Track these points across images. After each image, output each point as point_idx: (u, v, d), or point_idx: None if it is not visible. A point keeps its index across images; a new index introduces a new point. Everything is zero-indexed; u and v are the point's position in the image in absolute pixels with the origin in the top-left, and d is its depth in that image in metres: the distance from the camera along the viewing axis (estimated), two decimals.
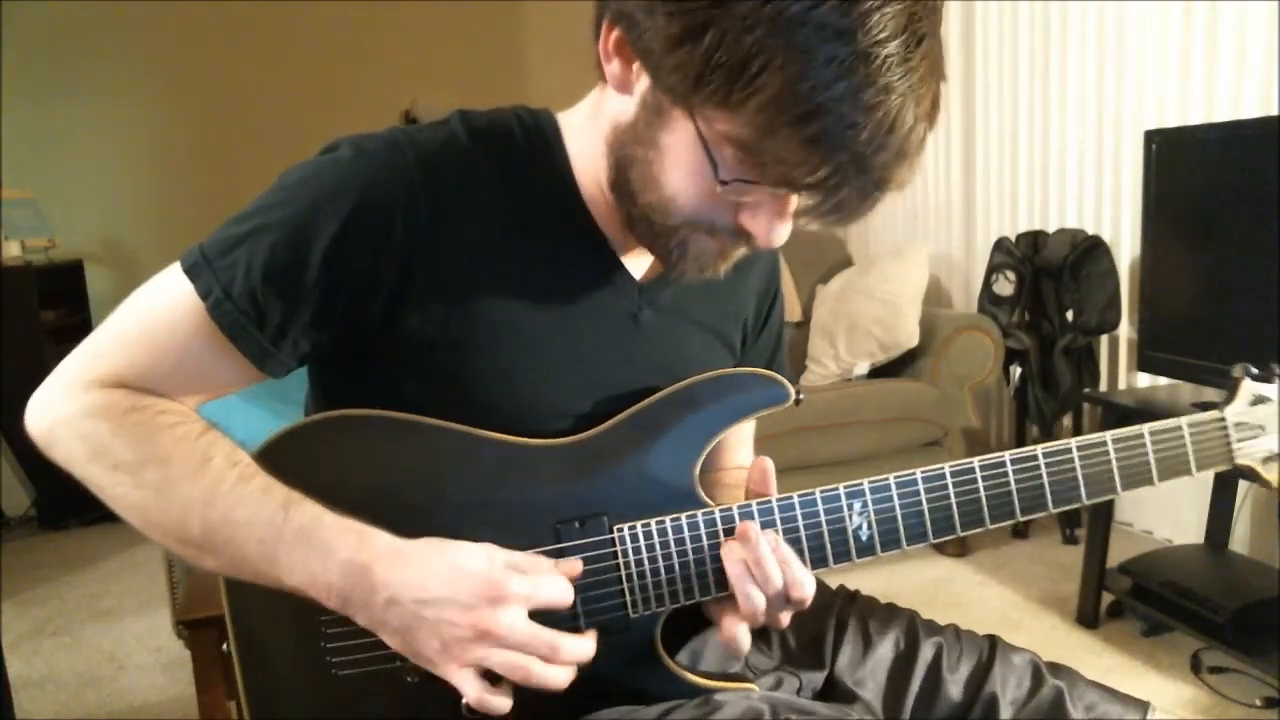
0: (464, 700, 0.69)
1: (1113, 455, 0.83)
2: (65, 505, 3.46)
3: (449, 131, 0.77)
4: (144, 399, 0.72)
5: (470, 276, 0.75)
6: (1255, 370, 0.87)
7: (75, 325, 3.64)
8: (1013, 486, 0.81)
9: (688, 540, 0.78)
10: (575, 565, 0.74)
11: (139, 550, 3.16)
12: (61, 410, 0.71)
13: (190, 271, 0.72)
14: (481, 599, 0.67)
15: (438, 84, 4.08)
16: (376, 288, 0.73)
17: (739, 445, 1.00)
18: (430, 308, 0.74)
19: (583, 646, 0.71)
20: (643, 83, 0.68)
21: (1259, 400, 0.87)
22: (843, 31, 0.58)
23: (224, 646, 1.36)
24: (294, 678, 0.78)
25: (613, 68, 0.69)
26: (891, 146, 0.61)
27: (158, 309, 0.73)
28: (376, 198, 0.71)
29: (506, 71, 4.38)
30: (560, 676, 0.70)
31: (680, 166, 0.68)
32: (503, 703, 0.70)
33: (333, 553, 0.68)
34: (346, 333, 0.75)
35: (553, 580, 0.71)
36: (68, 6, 3.86)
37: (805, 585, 0.76)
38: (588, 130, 0.77)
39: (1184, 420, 0.85)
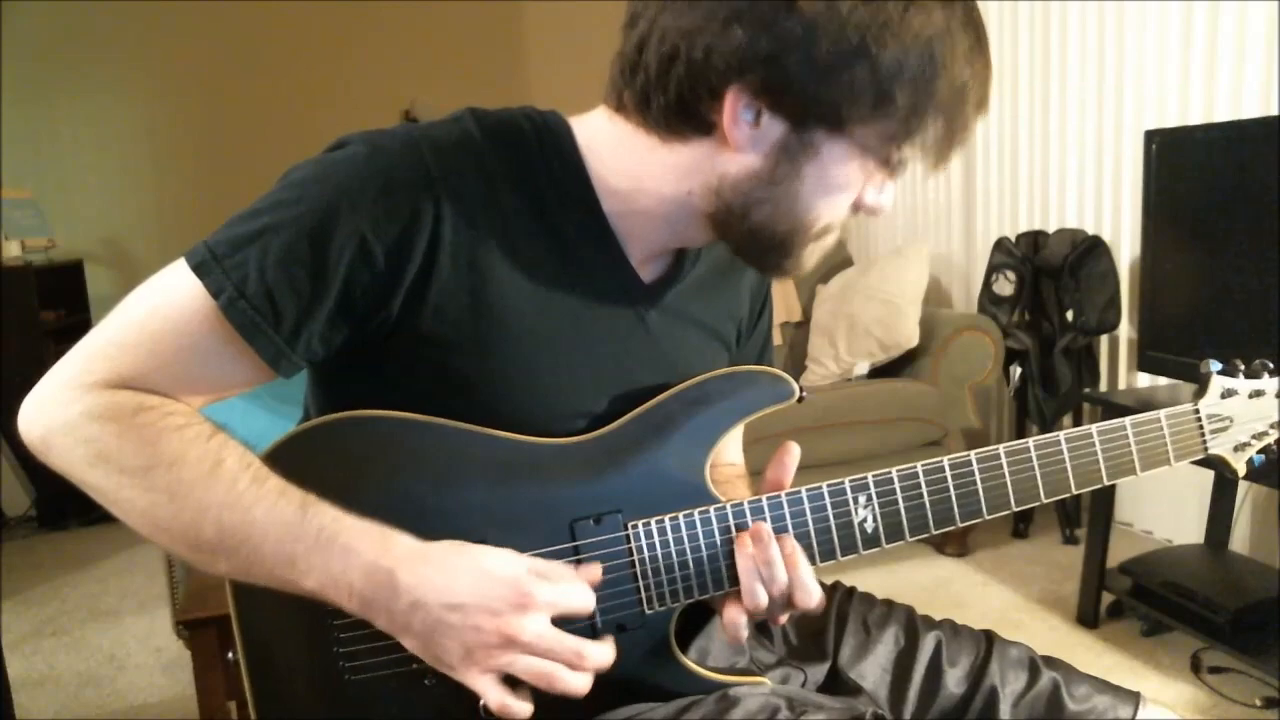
0: (482, 703, 0.69)
1: (1098, 446, 0.86)
2: (65, 505, 3.46)
3: (463, 129, 0.76)
4: (149, 399, 0.70)
5: (487, 276, 0.75)
6: (1220, 365, 0.92)
7: (75, 325, 3.65)
8: (1007, 478, 0.84)
9: (700, 536, 0.78)
10: (596, 571, 0.75)
11: (139, 550, 3.16)
12: (60, 414, 0.69)
13: (199, 269, 0.70)
14: (508, 605, 0.67)
15: (438, 84, 4.09)
16: (395, 287, 0.72)
17: (728, 444, 1.00)
18: (447, 307, 0.74)
19: (605, 652, 0.71)
20: (774, 131, 0.71)
21: (1228, 393, 0.92)
22: (965, 24, 0.72)
23: (230, 655, 1.37)
24: (305, 683, 0.78)
25: (739, 131, 0.71)
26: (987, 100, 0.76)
27: (163, 308, 0.71)
28: (396, 196, 0.71)
29: (506, 71, 4.39)
30: (584, 682, 0.70)
31: (826, 186, 0.74)
32: (524, 708, 0.70)
33: (354, 555, 0.67)
34: (362, 332, 0.74)
35: (577, 588, 0.71)
36: (68, 6, 3.86)
37: (811, 593, 0.77)
38: (617, 162, 0.77)
39: (1162, 413, 0.89)
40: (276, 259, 0.69)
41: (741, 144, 0.72)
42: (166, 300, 0.71)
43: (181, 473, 0.68)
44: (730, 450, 1.01)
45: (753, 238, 0.76)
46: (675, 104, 0.72)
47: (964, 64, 0.71)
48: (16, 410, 0.71)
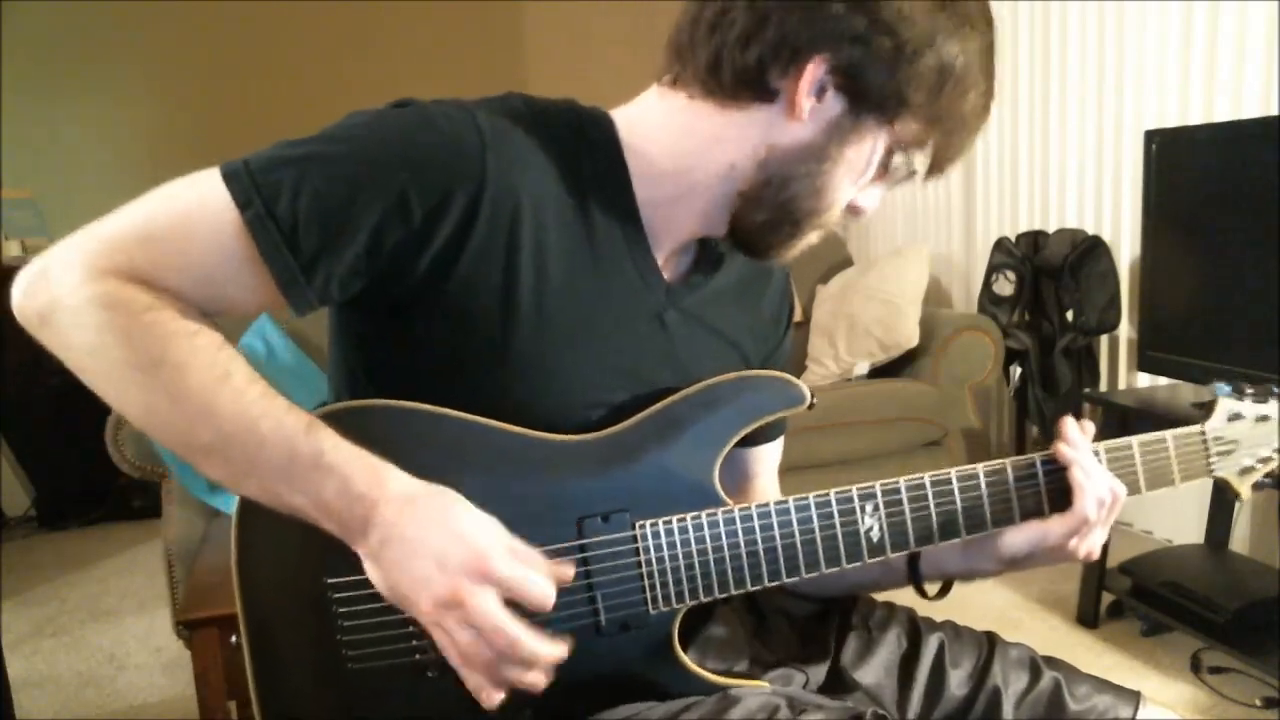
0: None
1: (1105, 465, 0.87)
2: (65, 505, 3.46)
3: (512, 107, 0.78)
4: (161, 300, 0.68)
5: (518, 254, 0.75)
6: (1228, 388, 0.93)
7: None
8: (1013, 494, 0.84)
9: (708, 538, 0.79)
10: (568, 571, 0.72)
11: (139, 550, 3.17)
12: (69, 295, 0.66)
13: (228, 178, 0.69)
14: (466, 568, 0.67)
15: (438, 84, 4.08)
16: (425, 246, 0.72)
17: (764, 472, 1.00)
18: (476, 279, 0.74)
19: (545, 649, 0.68)
20: (832, 109, 0.75)
21: (1235, 417, 0.92)
22: (991, 50, 0.77)
23: (233, 639, 1.37)
24: (308, 672, 0.78)
25: (807, 102, 0.74)
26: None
27: (193, 212, 0.70)
28: (445, 161, 0.72)
29: (506, 71, 4.38)
30: (511, 676, 0.68)
31: (852, 172, 0.77)
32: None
33: (348, 484, 0.68)
34: (383, 288, 0.74)
35: (539, 580, 0.69)
36: (68, 6, 3.86)
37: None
38: (664, 140, 0.79)
39: (1169, 434, 0.90)
40: (313, 189, 0.69)
41: (805, 115, 0.74)
42: (197, 205, 0.70)
43: (187, 377, 0.67)
44: (764, 479, 1.00)
45: (776, 212, 0.78)
46: (752, 68, 0.74)
47: (984, 84, 0.77)
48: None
